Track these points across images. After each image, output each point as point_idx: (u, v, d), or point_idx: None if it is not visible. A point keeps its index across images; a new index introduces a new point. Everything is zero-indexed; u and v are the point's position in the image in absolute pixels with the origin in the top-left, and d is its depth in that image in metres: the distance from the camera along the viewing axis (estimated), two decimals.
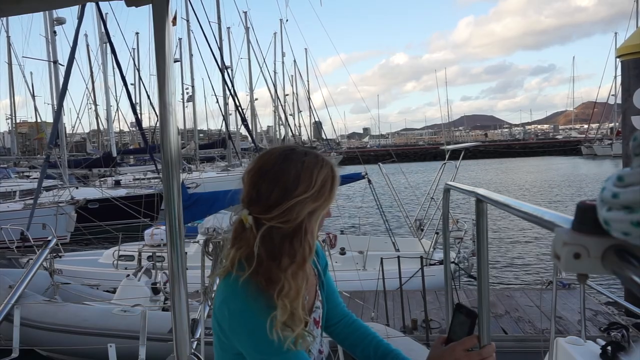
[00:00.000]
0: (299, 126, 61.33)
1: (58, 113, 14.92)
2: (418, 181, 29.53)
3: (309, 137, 61.55)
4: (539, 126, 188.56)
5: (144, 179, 25.54)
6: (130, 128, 51.39)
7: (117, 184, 22.52)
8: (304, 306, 1.17)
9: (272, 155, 1.20)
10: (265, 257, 1.13)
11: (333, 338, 1.48)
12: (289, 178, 1.15)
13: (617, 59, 7.28)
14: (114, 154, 29.34)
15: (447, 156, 10.10)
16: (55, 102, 22.77)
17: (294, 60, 59.16)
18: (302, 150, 1.22)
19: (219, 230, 8.75)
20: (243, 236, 1.17)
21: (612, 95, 53.73)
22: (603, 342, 3.05)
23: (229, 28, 39.42)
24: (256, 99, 47.97)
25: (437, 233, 9.14)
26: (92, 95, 40.57)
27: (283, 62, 56.90)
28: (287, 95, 57.18)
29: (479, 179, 36.37)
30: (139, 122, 16.87)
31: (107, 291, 7.92)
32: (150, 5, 1.54)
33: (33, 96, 41.17)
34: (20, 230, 10.10)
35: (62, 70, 17.93)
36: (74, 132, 41.78)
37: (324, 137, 53.93)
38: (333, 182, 1.20)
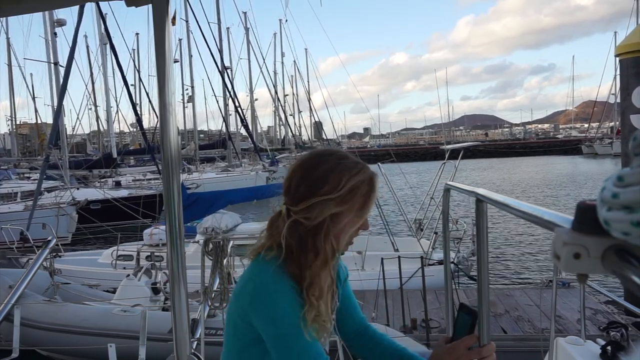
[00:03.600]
0: (299, 126, 61.36)
1: (58, 113, 14.93)
2: (418, 181, 29.54)
3: (309, 138, 61.52)
4: (539, 125, 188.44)
5: (143, 179, 25.55)
6: (131, 129, 51.43)
7: (118, 184, 22.52)
8: (327, 305, 1.19)
9: (313, 153, 1.25)
10: (294, 247, 1.16)
11: (354, 351, 1.48)
12: (318, 176, 1.17)
13: (616, 58, 7.28)
14: (115, 154, 29.30)
15: (446, 156, 10.08)
16: (55, 103, 22.79)
17: (294, 61, 59.17)
18: (342, 154, 1.24)
19: (218, 230, 8.78)
20: (276, 224, 1.21)
21: (612, 94, 53.72)
22: (603, 342, 3.05)
23: (228, 28, 39.43)
24: (256, 100, 48.06)
25: (435, 233, 9.12)
26: (92, 96, 40.61)
27: (283, 63, 56.94)
28: (287, 95, 57.21)
29: (480, 178, 36.37)
30: (140, 122, 16.89)
31: (107, 291, 7.91)
32: (150, 5, 1.54)
33: (33, 98, 41.27)
34: (20, 231, 10.11)
35: (62, 72, 17.93)
36: (74, 133, 41.84)
37: (325, 138, 53.91)
38: (367, 192, 1.20)
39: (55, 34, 19.47)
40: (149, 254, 8.85)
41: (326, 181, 1.16)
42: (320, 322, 1.15)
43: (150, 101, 25.70)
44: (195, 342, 4.08)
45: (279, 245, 1.17)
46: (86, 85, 36.43)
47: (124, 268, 8.95)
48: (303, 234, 1.16)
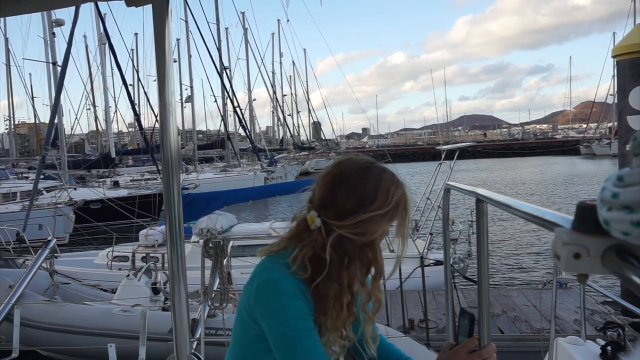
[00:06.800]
0: (298, 126, 61.32)
1: (54, 113, 14.85)
2: (415, 181, 29.49)
3: (307, 138, 61.51)
4: (537, 126, 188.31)
5: (141, 179, 25.53)
6: (129, 129, 51.40)
7: (116, 184, 22.50)
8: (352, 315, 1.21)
9: (352, 163, 1.19)
10: (337, 264, 1.13)
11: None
12: (366, 190, 1.14)
13: (613, 59, 7.29)
14: (113, 154, 29.26)
15: (443, 156, 10.02)
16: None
17: (293, 61, 59.00)
18: (380, 166, 1.21)
19: (213, 230, 8.75)
20: (307, 236, 1.16)
21: (611, 94, 53.73)
22: (603, 342, 3.05)
23: (227, 29, 39.48)
24: (254, 100, 48.03)
25: (431, 234, 9.10)
26: (90, 96, 40.62)
27: (281, 63, 56.87)
28: (285, 95, 57.19)
29: (478, 178, 36.34)
30: (139, 122, 16.89)
31: (105, 291, 7.90)
32: (150, 5, 1.54)
33: (32, 97, 41.30)
34: (16, 231, 10.08)
35: None
36: (72, 133, 41.81)
37: (323, 138, 53.97)
38: (407, 204, 1.19)
39: (54, 34, 19.47)
40: (144, 254, 8.82)
41: (375, 196, 1.14)
42: (338, 331, 1.17)
43: (148, 101, 25.70)
44: (195, 342, 4.08)
45: (311, 259, 1.13)
46: (85, 85, 36.46)
47: (120, 269, 8.91)
48: (351, 249, 1.15)
